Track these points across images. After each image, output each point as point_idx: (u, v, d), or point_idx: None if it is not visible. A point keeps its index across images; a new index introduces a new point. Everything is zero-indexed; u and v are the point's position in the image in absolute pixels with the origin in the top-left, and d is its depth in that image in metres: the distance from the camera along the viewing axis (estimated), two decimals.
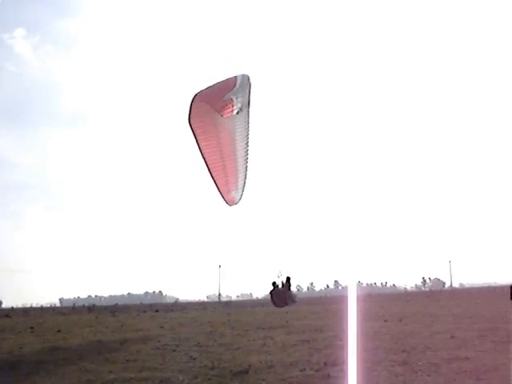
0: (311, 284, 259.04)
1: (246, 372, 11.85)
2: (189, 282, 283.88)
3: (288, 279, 10.34)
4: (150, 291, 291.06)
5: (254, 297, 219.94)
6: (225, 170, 8.16)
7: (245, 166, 8.36)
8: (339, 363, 12.23)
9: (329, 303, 60.93)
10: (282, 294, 10.20)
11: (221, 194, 8.52)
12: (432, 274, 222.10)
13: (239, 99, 7.42)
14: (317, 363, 12.60)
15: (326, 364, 12.40)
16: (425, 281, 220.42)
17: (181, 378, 11.41)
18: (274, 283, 10.25)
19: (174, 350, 16.49)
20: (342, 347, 15.62)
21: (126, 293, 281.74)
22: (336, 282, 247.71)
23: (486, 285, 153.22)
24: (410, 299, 63.41)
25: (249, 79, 7.79)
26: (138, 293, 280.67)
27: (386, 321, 25.29)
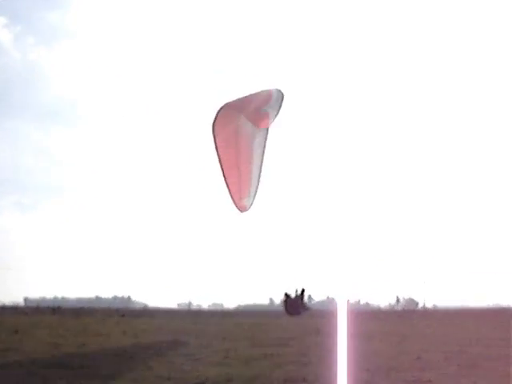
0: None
1: None
2: (159, 288, 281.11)
3: (303, 291, 9.87)
4: (119, 295, 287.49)
5: (225, 307, 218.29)
6: (240, 177, 7.71)
7: (258, 175, 8.23)
8: (298, 380, 11.85)
9: (306, 317, 60.55)
10: (295, 303, 9.70)
11: (233, 199, 7.99)
12: (406, 293, 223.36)
13: (274, 112, 7.31)
14: (276, 379, 12.20)
15: (285, 381, 12.01)
16: (398, 300, 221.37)
17: None
18: (286, 294, 9.70)
19: (132, 357, 15.95)
20: (306, 364, 15.25)
21: (93, 296, 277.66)
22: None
23: (459, 307, 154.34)
24: (383, 318, 63.30)
25: (283, 95, 7.28)
26: (106, 297, 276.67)
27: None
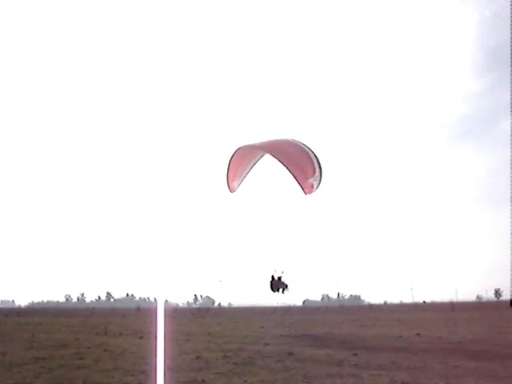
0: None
1: None
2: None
3: (282, 273, 12.27)
4: None
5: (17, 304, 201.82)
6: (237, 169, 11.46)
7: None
8: None
9: (111, 315, 57.99)
10: (276, 283, 12.16)
11: (227, 181, 11.56)
12: (204, 291, 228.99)
13: (316, 185, 9.93)
14: None
15: None
16: (196, 298, 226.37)
17: None
18: (272, 276, 12.31)
19: None
20: (79, 367, 14.28)
21: None
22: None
23: (251, 305, 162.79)
24: (177, 316, 63.70)
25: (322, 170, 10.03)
26: None
27: (141, 337, 24.41)
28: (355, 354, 17.20)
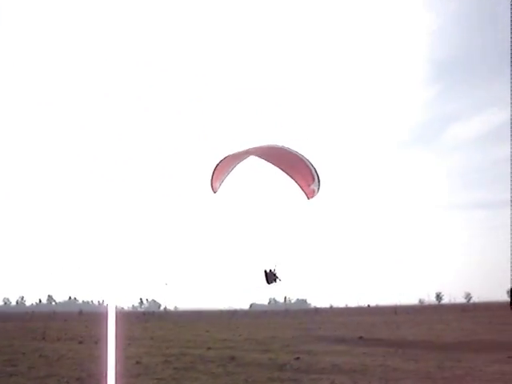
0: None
1: None
2: None
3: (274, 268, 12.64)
4: None
5: None
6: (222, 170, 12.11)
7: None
8: None
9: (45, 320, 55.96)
10: (269, 274, 12.59)
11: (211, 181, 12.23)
12: (150, 295, 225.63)
13: (317, 190, 11.11)
14: None
15: None
16: (142, 301, 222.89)
17: None
18: (265, 270, 12.70)
19: None
20: (11, 374, 13.67)
21: None
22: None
23: (198, 309, 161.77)
24: (120, 320, 62.36)
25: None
26: None
27: (80, 342, 23.69)
28: (297, 358, 17.18)
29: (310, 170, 11.25)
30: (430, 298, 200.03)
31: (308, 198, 11.28)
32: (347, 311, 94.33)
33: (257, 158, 11.68)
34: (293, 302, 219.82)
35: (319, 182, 11.25)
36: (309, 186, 11.25)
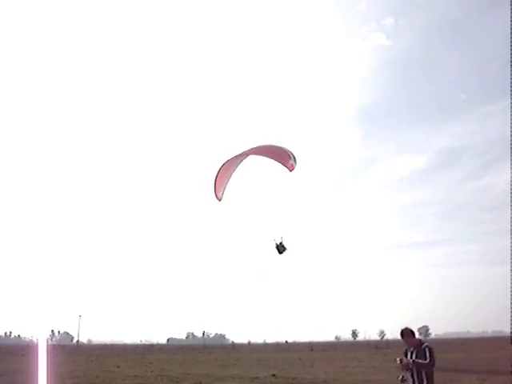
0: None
1: None
2: None
3: (281, 241, 15.26)
4: None
5: None
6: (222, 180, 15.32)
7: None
8: None
9: None
10: (279, 246, 14.91)
11: (215, 190, 15.44)
12: (63, 327, 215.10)
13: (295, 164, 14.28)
14: None
15: None
16: (53, 334, 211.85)
17: None
18: (276, 243, 15.16)
19: None
20: None
21: None
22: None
23: (112, 342, 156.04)
24: (27, 354, 58.99)
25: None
26: None
27: None
28: None
29: (287, 152, 14.55)
30: (346, 335, 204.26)
31: (290, 171, 14.44)
32: (265, 347, 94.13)
33: (248, 157, 15.19)
34: (211, 336, 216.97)
35: (295, 159, 14.59)
36: (289, 161, 14.45)
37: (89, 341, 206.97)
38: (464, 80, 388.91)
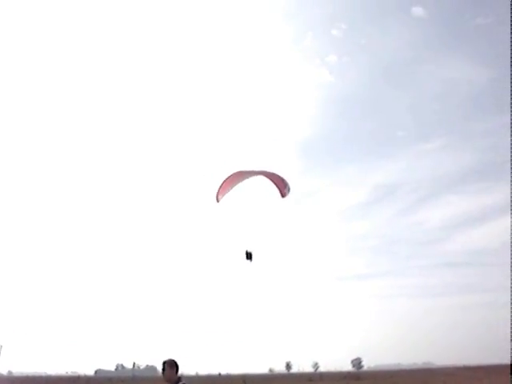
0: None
1: None
2: None
3: (251, 252, 19.42)
4: None
5: None
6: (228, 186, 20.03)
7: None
8: None
9: None
10: (248, 254, 18.79)
11: (218, 192, 20.00)
12: None
13: (289, 192, 19.90)
14: None
15: None
16: None
17: None
18: (246, 251, 19.12)
19: None
20: None
21: None
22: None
23: (35, 373, 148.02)
24: None
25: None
26: None
27: None
28: None
29: (285, 182, 19.70)
30: (280, 367, 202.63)
31: (282, 197, 19.17)
32: (197, 379, 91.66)
33: (257, 176, 19.81)
34: (142, 368, 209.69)
35: (289, 189, 19.76)
36: (284, 189, 19.31)
37: (9, 372, 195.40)
38: (401, 118, 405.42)
